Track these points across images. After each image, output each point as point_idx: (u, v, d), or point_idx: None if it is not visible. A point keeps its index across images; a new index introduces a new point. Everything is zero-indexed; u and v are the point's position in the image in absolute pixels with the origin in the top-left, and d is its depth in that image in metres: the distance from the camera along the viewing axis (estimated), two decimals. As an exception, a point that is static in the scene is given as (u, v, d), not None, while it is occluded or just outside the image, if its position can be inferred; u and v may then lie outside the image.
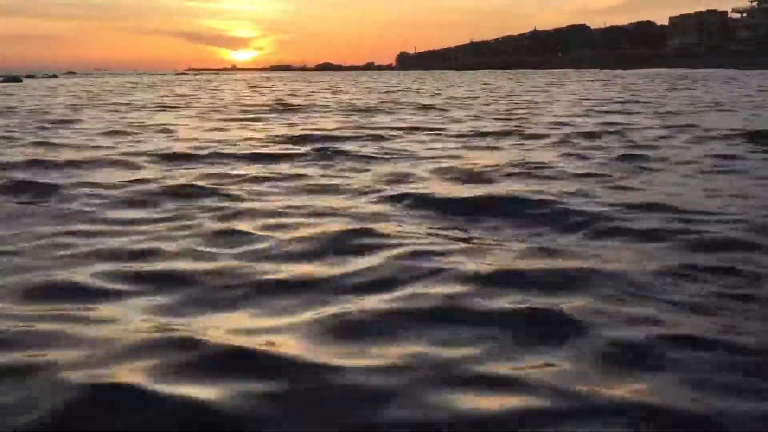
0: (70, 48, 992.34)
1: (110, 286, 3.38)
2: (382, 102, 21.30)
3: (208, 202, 5.55)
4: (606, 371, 2.38)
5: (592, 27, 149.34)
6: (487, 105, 19.44)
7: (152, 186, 6.28)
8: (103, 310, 3.04)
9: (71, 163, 7.74)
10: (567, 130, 11.31)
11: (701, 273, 3.44)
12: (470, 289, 3.19)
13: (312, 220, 4.79)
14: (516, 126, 12.22)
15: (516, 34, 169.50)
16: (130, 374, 2.29)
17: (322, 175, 6.94)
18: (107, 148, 9.49)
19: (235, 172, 7.20)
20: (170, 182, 6.44)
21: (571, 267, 3.52)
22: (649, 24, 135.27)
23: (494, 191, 5.68)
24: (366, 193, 5.89)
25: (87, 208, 5.35)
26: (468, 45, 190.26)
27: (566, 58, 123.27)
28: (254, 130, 12.27)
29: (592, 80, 43.56)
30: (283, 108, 18.94)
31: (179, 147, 9.43)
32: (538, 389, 2.22)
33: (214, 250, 4.04)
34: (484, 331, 2.71)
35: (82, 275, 3.53)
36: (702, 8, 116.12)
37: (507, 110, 16.76)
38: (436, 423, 2.04)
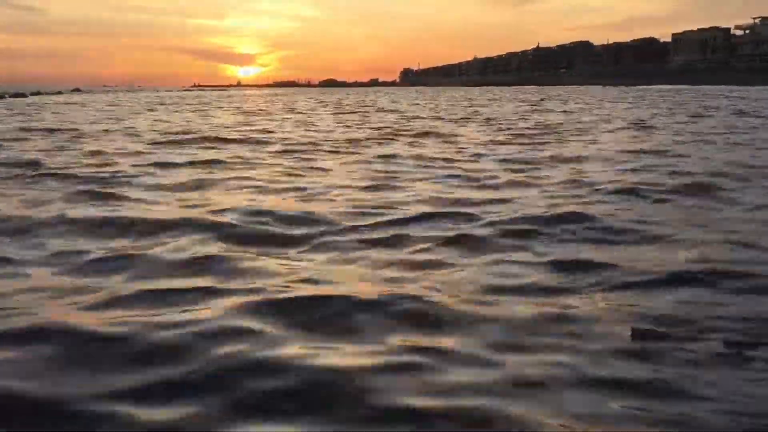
0: (73, 65, 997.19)
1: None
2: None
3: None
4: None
5: (595, 44, 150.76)
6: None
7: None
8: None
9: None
10: None
11: None
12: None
13: None
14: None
15: (519, 50, 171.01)
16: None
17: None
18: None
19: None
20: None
21: None
22: (651, 41, 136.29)
23: None
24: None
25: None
26: (472, 61, 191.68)
27: (572, 75, 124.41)
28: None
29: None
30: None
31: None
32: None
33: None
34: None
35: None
36: (705, 25, 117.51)
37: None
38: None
